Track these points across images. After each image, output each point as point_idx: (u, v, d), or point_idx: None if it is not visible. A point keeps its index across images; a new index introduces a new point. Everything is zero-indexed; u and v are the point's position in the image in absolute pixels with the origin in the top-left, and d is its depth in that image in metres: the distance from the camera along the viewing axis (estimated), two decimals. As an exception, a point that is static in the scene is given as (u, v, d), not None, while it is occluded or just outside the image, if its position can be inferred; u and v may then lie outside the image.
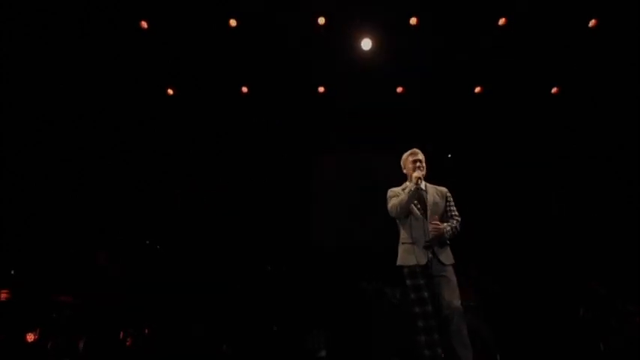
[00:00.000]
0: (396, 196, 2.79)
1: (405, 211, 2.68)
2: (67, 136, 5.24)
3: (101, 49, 5.01)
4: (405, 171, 2.91)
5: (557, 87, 5.60)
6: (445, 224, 2.67)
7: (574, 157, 5.71)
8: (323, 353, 4.66)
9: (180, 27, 5.03)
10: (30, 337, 3.89)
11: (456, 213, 2.76)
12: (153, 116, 5.79)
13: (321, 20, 5.04)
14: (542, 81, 5.58)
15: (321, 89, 5.83)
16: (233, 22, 5.06)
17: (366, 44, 5.34)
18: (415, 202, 2.70)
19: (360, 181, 6.02)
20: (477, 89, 5.77)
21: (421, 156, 2.84)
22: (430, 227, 2.62)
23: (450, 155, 6.04)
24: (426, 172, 2.82)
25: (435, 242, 2.61)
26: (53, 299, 3.62)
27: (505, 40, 5.16)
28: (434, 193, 2.78)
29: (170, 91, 5.77)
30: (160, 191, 5.82)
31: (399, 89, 5.84)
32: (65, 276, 3.82)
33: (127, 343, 3.87)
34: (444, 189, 2.84)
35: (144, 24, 4.98)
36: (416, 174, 2.71)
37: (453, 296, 2.49)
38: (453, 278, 2.55)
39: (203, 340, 4.39)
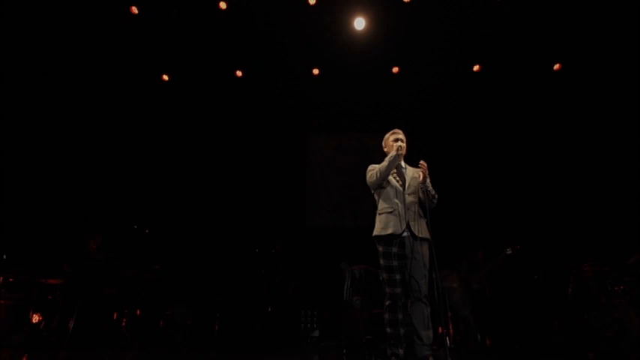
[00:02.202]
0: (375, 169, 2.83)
1: (385, 176, 2.73)
2: (54, 121, 5.27)
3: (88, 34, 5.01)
4: (385, 149, 2.96)
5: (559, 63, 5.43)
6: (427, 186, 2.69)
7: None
8: (316, 333, 4.77)
9: (170, 11, 5.02)
10: (35, 319, 4.07)
11: (433, 191, 2.75)
12: (145, 99, 5.80)
13: (312, 0, 4.95)
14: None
15: (315, 71, 5.78)
16: (223, 5, 5.02)
17: (359, 23, 5.24)
18: (395, 176, 2.73)
19: (354, 162, 6.03)
20: (476, 67, 5.63)
21: (402, 135, 2.88)
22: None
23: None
24: (407, 152, 2.87)
25: (412, 215, 2.63)
26: (43, 282, 3.73)
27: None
28: (412, 171, 2.81)
29: (165, 77, 5.82)
30: (152, 174, 5.88)
31: (395, 69, 5.73)
32: (56, 259, 3.92)
33: (122, 324, 4.00)
34: (420, 169, 2.85)
35: (134, 9, 4.99)
36: (397, 143, 2.77)
37: (422, 280, 2.51)
38: (426, 259, 2.56)
39: (195, 321, 4.50)
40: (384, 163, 2.73)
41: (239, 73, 5.76)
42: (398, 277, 2.55)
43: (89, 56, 5.15)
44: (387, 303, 2.55)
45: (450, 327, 3.88)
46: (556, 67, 5.43)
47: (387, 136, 2.96)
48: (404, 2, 4.94)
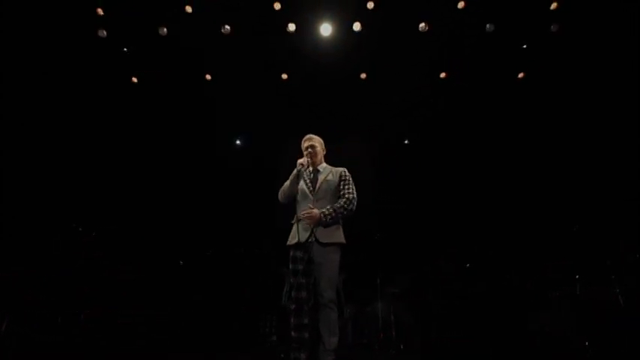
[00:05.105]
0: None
1: (289, 193, 2.78)
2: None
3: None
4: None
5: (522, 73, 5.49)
6: (324, 209, 2.66)
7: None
8: (274, 338, 4.75)
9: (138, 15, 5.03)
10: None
11: (349, 192, 2.74)
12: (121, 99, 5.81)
13: (277, 5, 4.99)
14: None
15: (284, 76, 5.80)
16: (189, 9, 5.05)
17: (326, 29, 5.28)
18: (307, 181, 2.75)
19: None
20: (442, 75, 5.67)
21: (313, 141, 2.91)
22: (303, 214, 2.63)
23: (406, 142, 5.97)
24: (320, 155, 2.94)
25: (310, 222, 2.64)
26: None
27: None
28: (328, 172, 2.82)
29: (134, 79, 5.82)
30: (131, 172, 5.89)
31: (363, 75, 5.77)
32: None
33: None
34: (341, 169, 2.88)
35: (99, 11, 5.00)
36: (300, 160, 2.78)
37: (327, 284, 2.53)
38: (334, 263, 2.57)
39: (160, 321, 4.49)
40: (287, 182, 2.77)
41: (208, 77, 5.79)
42: (303, 280, 2.56)
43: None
44: (293, 307, 2.56)
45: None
46: (520, 75, 5.50)
47: (301, 142, 2.99)
48: (368, 9, 5.02)
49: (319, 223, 2.60)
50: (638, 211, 4.33)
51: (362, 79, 5.77)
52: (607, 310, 3.20)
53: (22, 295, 3.89)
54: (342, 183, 2.77)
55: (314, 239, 2.59)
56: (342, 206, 2.67)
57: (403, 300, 4.10)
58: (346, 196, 2.70)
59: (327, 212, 2.62)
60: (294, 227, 2.68)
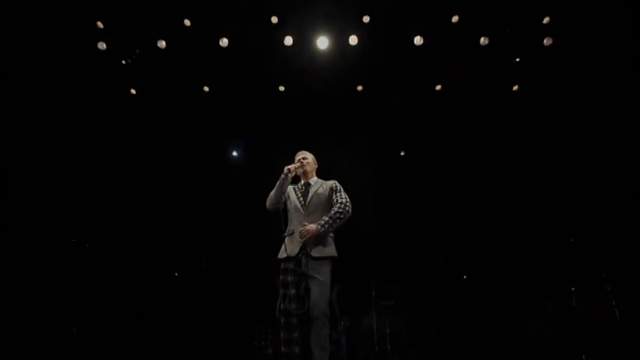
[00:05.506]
0: None
1: (276, 199, 2.78)
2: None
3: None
4: None
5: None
6: (320, 221, 2.66)
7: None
8: (269, 351, 4.70)
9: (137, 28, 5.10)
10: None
11: (342, 198, 2.74)
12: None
13: (274, 19, 5.06)
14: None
15: (281, 88, 5.86)
16: (187, 22, 5.11)
17: (322, 43, 5.35)
18: (299, 195, 2.75)
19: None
20: (438, 87, 5.73)
21: (305, 155, 2.99)
22: (300, 233, 2.63)
23: (402, 153, 6.01)
24: (312, 169, 2.99)
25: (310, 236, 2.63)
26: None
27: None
28: (319, 186, 2.83)
29: (133, 91, 5.86)
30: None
31: (359, 88, 5.82)
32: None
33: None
34: (331, 182, 2.89)
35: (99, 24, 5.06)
36: (287, 166, 2.80)
37: (320, 298, 2.50)
38: (326, 277, 2.55)
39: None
40: (274, 189, 2.78)
41: (206, 89, 5.84)
42: (293, 292, 2.53)
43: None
44: (282, 321, 2.52)
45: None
46: (515, 87, 5.56)
47: (295, 156, 3.05)
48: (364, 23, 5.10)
49: (319, 234, 2.59)
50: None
51: (358, 91, 5.83)
52: (603, 320, 3.19)
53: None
54: (333, 193, 2.78)
55: (305, 253, 2.58)
56: (337, 212, 2.67)
57: (399, 310, 4.07)
58: (339, 201, 2.71)
59: (323, 222, 2.62)
60: (285, 241, 2.67)
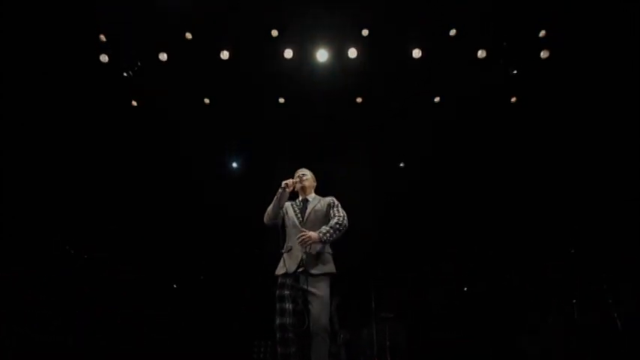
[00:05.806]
0: None
1: (274, 214, 2.78)
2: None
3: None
4: None
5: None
6: (321, 229, 2.65)
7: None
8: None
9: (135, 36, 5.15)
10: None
11: (339, 212, 2.75)
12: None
13: (274, 33, 5.13)
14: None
15: (281, 100, 5.90)
16: (189, 35, 5.18)
17: (322, 55, 5.41)
18: (297, 211, 2.75)
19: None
20: (437, 99, 5.78)
21: (305, 171, 3.00)
22: (299, 239, 2.62)
23: (402, 164, 6.02)
24: (311, 186, 3.00)
25: (308, 252, 2.60)
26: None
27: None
28: (317, 202, 2.83)
29: (134, 103, 5.91)
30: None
31: (359, 100, 5.87)
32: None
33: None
34: (329, 198, 2.89)
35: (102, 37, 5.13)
36: (285, 181, 2.79)
37: (320, 313, 2.47)
38: (325, 292, 2.53)
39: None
40: (271, 204, 2.78)
41: (206, 101, 5.88)
42: (290, 306, 2.51)
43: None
44: (278, 336, 2.49)
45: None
46: (512, 99, 5.61)
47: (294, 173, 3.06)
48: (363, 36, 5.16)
49: (320, 242, 2.59)
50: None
51: (358, 103, 5.87)
52: (604, 333, 3.16)
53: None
54: (330, 208, 2.78)
55: (303, 270, 2.56)
56: (337, 222, 2.68)
57: (399, 321, 4.03)
58: (337, 215, 2.71)
59: (324, 231, 2.62)
60: (284, 257, 2.66)
